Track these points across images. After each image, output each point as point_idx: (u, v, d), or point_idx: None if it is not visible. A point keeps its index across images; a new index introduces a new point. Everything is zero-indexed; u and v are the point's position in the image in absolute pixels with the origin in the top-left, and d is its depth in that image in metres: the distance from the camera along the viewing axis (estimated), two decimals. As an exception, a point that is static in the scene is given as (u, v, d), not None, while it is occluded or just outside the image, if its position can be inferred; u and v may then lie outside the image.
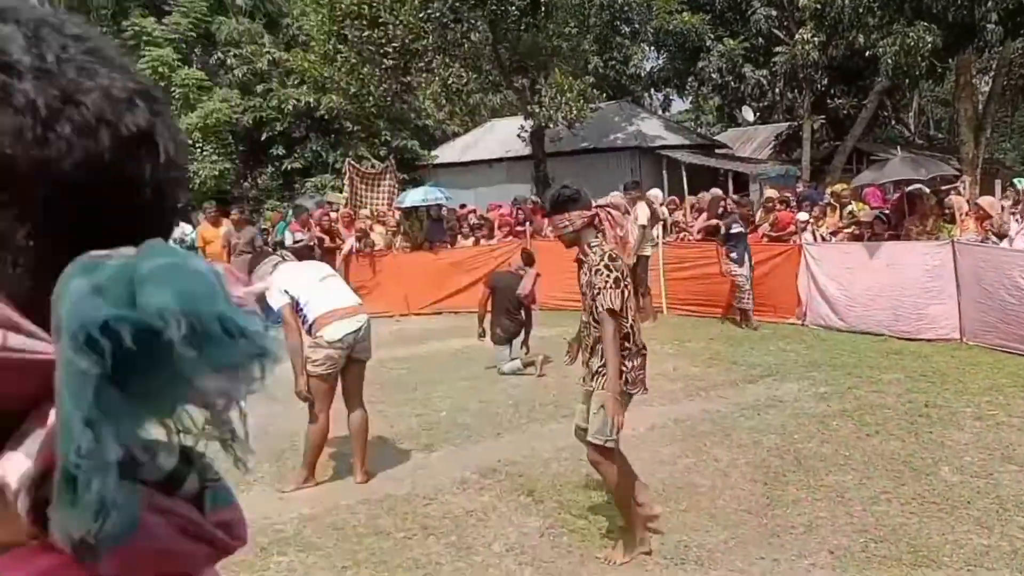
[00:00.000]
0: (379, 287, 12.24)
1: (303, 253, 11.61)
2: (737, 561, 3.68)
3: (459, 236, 12.99)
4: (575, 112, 19.12)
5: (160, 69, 21.77)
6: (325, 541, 4.05)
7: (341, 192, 16.21)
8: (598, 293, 3.56)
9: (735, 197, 15.03)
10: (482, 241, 12.59)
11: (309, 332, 4.77)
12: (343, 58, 20.79)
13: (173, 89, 21.81)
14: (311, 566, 3.78)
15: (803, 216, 10.79)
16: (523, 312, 8.10)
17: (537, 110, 19.44)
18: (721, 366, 7.67)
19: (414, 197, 13.06)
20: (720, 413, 6.05)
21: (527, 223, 12.23)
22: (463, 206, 15.32)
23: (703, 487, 4.59)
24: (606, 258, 3.62)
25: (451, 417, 6.32)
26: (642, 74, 31.46)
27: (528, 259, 8.25)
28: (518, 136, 22.36)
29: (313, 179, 22.62)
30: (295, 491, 4.79)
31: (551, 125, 20.38)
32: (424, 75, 20.57)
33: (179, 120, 20.73)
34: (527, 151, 22.60)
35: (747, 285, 9.50)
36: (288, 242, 11.91)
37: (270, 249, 11.72)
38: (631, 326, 3.67)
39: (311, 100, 22.08)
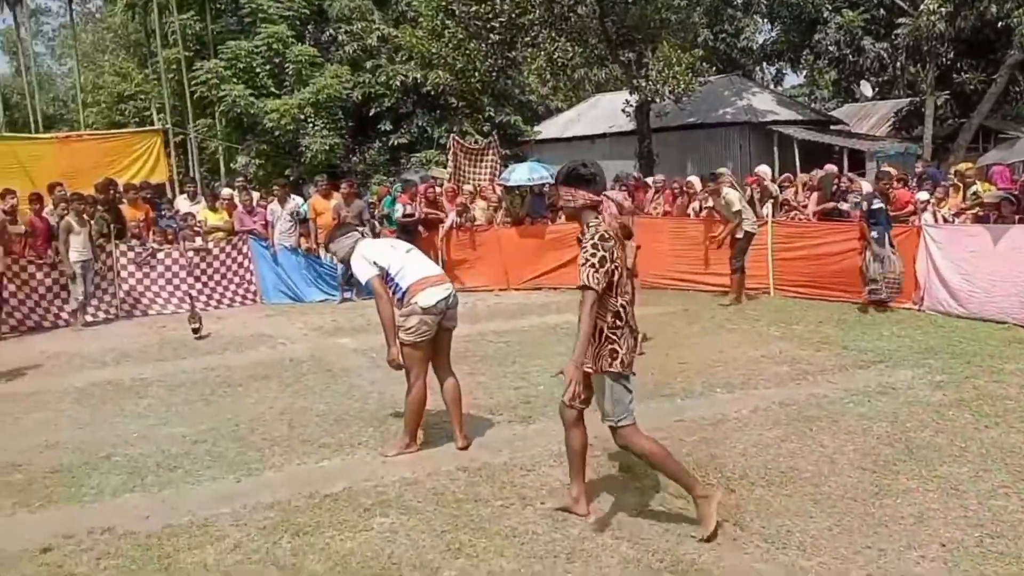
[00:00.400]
0: (479, 261, 12.38)
1: (410, 225, 11.93)
2: (841, 549, 3.58)
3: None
4: (683, 86, 18.72)
5: (275, 46, 22.49)
6: (425, 505, 4.16)
7: (445, 167, 16.42)
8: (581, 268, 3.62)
9: (850, 175, 14.42)
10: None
11: (400, 301, 4.88)
12: (450, 34, 20.95)
13: (287, 65, 22.51)
14: (411, 528, 3.89)
15: (923, 196, 10.24)
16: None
17: (643, 84, 19.12)
18: (830, 350, 7.41)
19: (519, 175, 13.05)
20: (828, 398, 5.86)
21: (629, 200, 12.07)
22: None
23: (807, 472, 4.46)
24: (596, 237, 3.65)
25: (549, 391, 6.34)
26: (754, 47, 30.51)
27: (627, 232, 8.15)
28: (622, 111, 22.07)
29: (418, 154, 22.98)
30: (397, 456, 4.93)
31: (657, 100, 20.02)
32: (529, 50, 20.52)
33: (292, 95, 21.47)
34: (631, 126, 22.30)
35: (884, 272, 8.84)
36: (398, 213, 12.19)
37: (376, 222, 12.07)
38: (622, 307, 3.75)
39: (418, 76, 22.37)
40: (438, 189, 13.19)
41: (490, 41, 20.32)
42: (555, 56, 20.07)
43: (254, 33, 22.90)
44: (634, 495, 4.22)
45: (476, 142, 16.70)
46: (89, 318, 10.33)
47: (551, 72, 21.33)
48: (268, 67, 22.59)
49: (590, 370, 3.74)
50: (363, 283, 5.00)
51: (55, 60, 43.18)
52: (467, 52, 20.98)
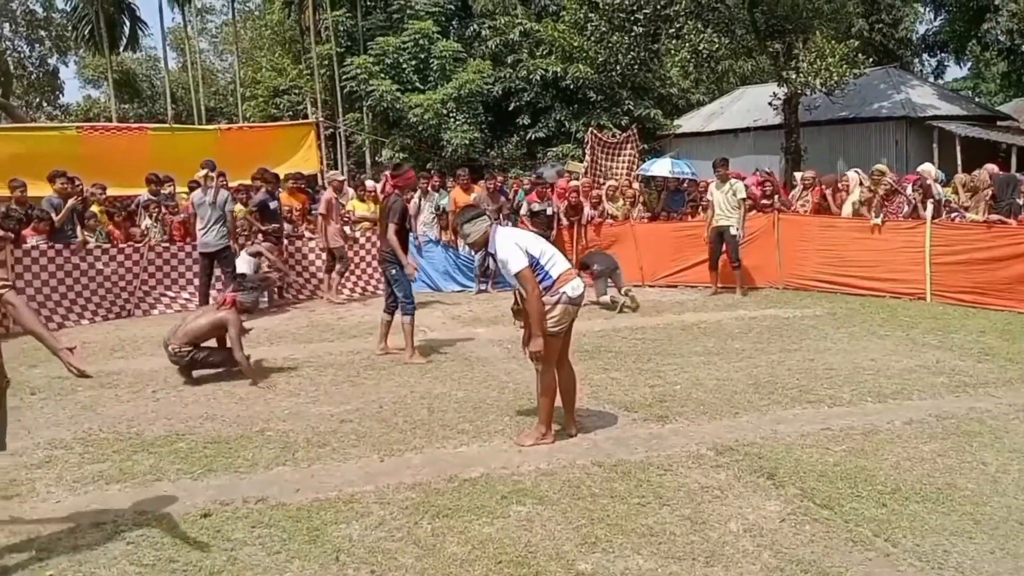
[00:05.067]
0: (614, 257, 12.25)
1: (541, 224, 11.96)
2: (1005, 574, 3.33)
3: (700, 209, 12.64)
4: (835, 78, 17.89)
5: (421, 41, 23.11)
6: (561, 497, 4.18)
7: (581, 161, 16.40)
8: None
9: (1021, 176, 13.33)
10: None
11: (547, 290, 4.88)
12: (593, 27, 20.88)
13: (431, 60, 23.08)
14: (547, 519, 3.92)
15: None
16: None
17: (793, 76, 18.40)
18: (994, 362, 6.90)
19: (661, 167, 12.85)
20: (990, 413, 5.47)
21: (775, 196, 11.66)
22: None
23: (966, 491, 4.18)
24: None
25: (686, 391, 6.24)
26: (914, 37, 28.80)
27: None
28: (769, 104, 21.32)
29: (555, 148, 23.05)
30: (533, 446, 4.97)
31: (807, 92, 19.24)
32: (674, 41, 20.15)
33: (436, 90, 22.07)
34: (778, 120, 21.53)
35: None
36: (523, 211, 12.28)
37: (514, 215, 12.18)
38: None
39: (558, 70, 22.42)
40: (573, 184, 13.18)
41: (633, 33, 20.09)
42: (700, 47, 19.59)
43: (402, 29, 23.60)
44: (777, 503, 4.08)
45: (614, 136, 16.57)
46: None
47: (695, 64, 20.83)
48: (414, 62, 23.23)
49: None
50: (513, 271, 4.81)
51: (217, 56, 46.10)
52: (609, 45, 20.84)
